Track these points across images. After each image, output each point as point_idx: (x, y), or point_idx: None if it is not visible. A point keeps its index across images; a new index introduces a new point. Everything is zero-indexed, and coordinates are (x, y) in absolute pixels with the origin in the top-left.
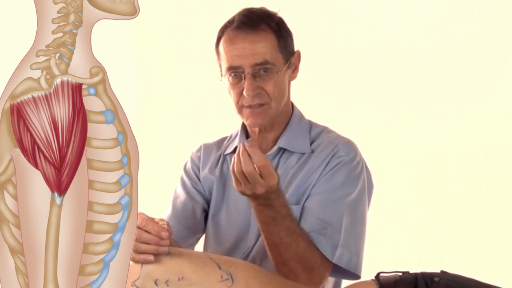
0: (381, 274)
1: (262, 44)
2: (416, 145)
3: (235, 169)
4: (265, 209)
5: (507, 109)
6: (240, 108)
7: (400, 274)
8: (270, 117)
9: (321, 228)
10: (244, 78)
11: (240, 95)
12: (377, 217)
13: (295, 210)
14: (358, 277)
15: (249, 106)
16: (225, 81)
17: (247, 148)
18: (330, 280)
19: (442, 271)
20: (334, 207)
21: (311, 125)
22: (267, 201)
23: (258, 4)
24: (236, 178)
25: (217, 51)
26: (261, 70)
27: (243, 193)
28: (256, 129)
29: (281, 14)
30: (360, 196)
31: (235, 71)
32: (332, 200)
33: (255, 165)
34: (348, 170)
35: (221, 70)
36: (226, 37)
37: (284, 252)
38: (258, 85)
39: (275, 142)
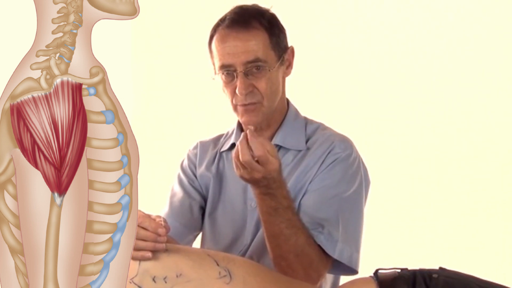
0: (380, 271)
1: (254, 42)
2: (413, 142)
3: (234, 155)
4: (267, 198)
5: (507, 107)
6: (235, 106)
7: (399, 270)
8: (264, 115)
9: (318, 225)
10: (237, 77)
11: (233, 93)
12: (375, 214)
13: None
14: (356, 272)
15: (243, 105)
16: (219, 80)
17: (248, 137)
18: (329, 277)
19: (440, 268)
20: (330, 204)
21: (306, 121)
22: (269, 189)
23: (254, 1)
24: (235, 163)
25: (210, 49)
26: (253, 68)
27: (242, 178)
28: (252, 127)
29: (274, 10)
30: (357, 193)
31: (227, 70)
32: (329, 197)
33: (253, 155)
34: (345, 166)
35: (214, 69)
36: (218, 36)
37: (283, 244)
38: (250, 83)
39: (270, 139)
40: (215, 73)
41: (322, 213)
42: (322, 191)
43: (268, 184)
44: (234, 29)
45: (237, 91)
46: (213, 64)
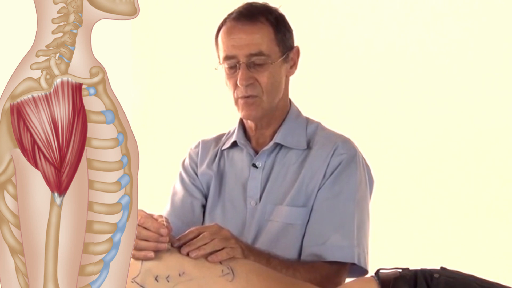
0: (381, 271)
1: (258, 35)
2: (415, 142)
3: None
4: (252, 254)
5: (507, 107)
6: (236, 100)
7: (400, 270)
8: (263, 110)
9: (335, 232)
10: (239, 68)
11: (235, 85)
12: (376, 213)
13: (302, 212)
14: (366, 272)
15: (243, 97)
16: (222, 72)
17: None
18: None
19: (441, 268)
20: (343, 209)
21: (307, 121)
22: (247, 245)
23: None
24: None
25: (216, 42)
26: (256, 61)
27: (221, 252)
28: (253, 125)
29: (284, 12)
30: (364, 194)
31: (230, 61)
32: (340, 202)
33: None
34: (351, 168)
35: (219, 61)
36: (225, 28)
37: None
38: (252, 75)
39: (271, 137)
40: (219, 63)
41: (336, 220)
42: (332, 197)
43: (244, 243)
44: (240, 22)
45: (238, 82)
46: (218, 57)
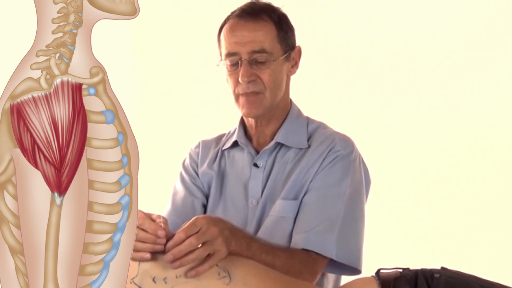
0: (382, 271)
1: (261, 33)
2: (415, 142)
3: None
4: (232, 241)
5: (507, 107)
6: (237, 97)
7: (401, 270)
8: (265, 107)
9: (319, 223)
10: (241, 65)
11: (236, 82)
12: (377, 213)
13: (293, 205)
14: (359, 272)
15: (244, 94)
16: (224, 69)
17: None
18: (330, 277)
19: (442, 268)
20: (332, 203)
21: (308, 121)
22: (232, 236)
23: None
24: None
25: (219, 39)
26: (258, 58)
27: (212, 250)
28: (253, 123)
29: (286, 12)
30: (357, 191)
31: (232, 58)
32: (330, 195)
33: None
34: (345, 165)
35: (221, 58)
36: (227, 25)
37: (273, 267)
38: (253, 72)
39: (272, 137)
40: (221, 59)
41: (323, 212)
42: (323, 190)
43: (229, 233)
44: (243, 19)
45: (239, 78)
46: (220, 54)
